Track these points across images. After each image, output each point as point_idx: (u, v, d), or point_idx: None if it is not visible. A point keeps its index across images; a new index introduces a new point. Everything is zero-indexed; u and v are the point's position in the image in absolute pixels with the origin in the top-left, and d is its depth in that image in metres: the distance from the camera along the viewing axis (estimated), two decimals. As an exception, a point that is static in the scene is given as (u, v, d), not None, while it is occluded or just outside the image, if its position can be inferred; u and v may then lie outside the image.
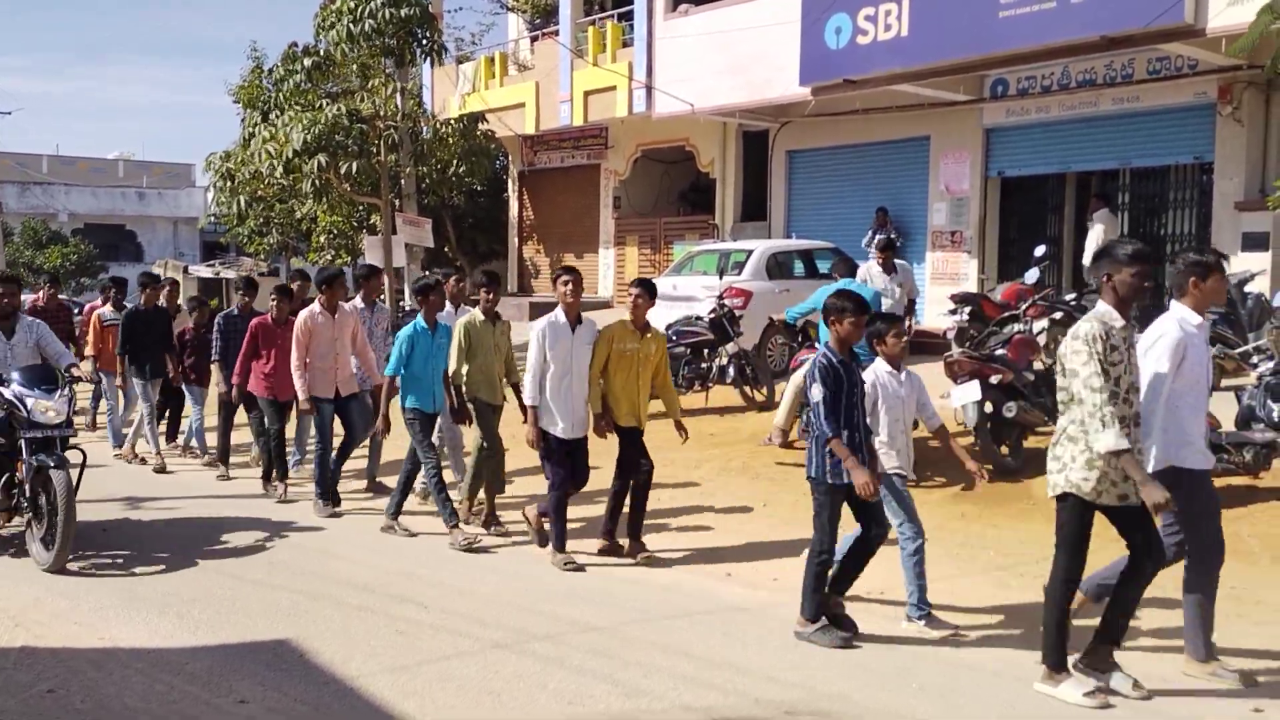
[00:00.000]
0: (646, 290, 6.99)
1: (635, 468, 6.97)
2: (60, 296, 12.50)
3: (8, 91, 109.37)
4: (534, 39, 20.79)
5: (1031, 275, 11.19)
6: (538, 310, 19.14)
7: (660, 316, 12.90)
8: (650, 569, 6.82)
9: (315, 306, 8.46)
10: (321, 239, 20.72)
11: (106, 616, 5.73)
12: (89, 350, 11.15)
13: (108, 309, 11.17)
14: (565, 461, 6.95)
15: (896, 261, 10.97)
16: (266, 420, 9.07)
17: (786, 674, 4.99)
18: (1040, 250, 11.89)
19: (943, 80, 13.68)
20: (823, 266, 13.00)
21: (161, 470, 10.20)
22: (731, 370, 10.90)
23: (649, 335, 7.08)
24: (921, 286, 15.25)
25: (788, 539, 7.17)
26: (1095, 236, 12.65)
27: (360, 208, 17.97)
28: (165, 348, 10.36)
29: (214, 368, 9.82)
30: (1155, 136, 13.16)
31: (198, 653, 5.21)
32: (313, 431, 8.72)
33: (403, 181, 15.19)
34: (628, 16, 18.00)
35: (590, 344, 7.00)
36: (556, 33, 19.26)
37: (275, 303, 9.06)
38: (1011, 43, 12.22)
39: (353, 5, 13.39)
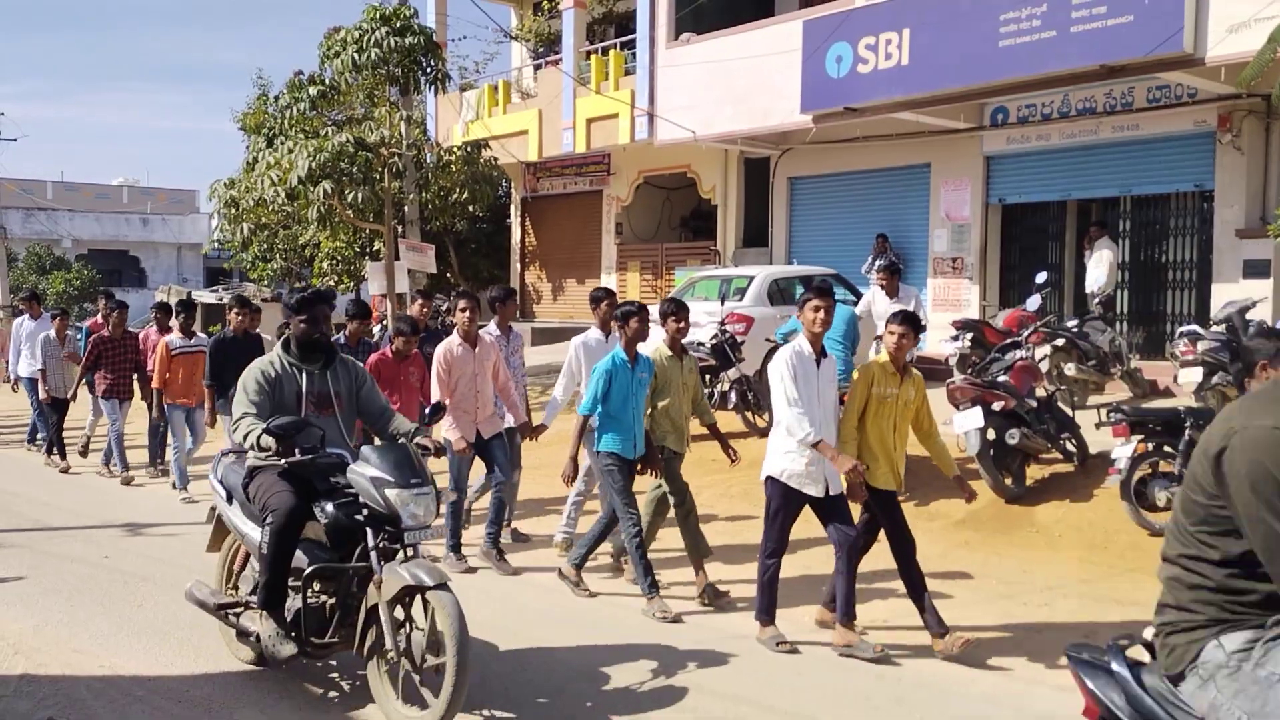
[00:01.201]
0: (911, 325, 5.83)
1: (903, 539, 5.77)
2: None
3: (12, 118, 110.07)
4: (537, 67, 20.95)
5: (1034, 302, 11.20)
6: (540, 335, 19.23)
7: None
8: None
9: (454, 337, 7.53)
10: (325, 265, 20.80)
11: (107, 644, 5.71)
12: (154, 382, 10.38)
13: (176, 336, 10.36)
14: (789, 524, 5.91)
15: (901, 285, 10.99)
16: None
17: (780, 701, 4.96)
18: (1042, 277, 11.92)
19: (943, 108, 13.78)
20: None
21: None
22: (733, 396, 10.92)
23: (910, 378, 5.95)
24: (924, 314, 15.30)
25: (799, 574, 7.13)
26: (1095, 263, 12.69)
27: (363, 234, 18.04)
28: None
29: (208, 391, 9.42)
30: (1156, 164, 13.22)
31: (199, 680, 5.19)
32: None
33: (406, 208, 15.25)
34: (630, 45, 18.14)
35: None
36: (559, 61, 19.41)
37: (402, 339, 8.00)
38: (1011, 71, 12.30)
39: (358, 34, 13.48)
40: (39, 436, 13.08)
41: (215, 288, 28.26)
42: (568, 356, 7.50)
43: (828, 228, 16.76)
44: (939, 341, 12.92)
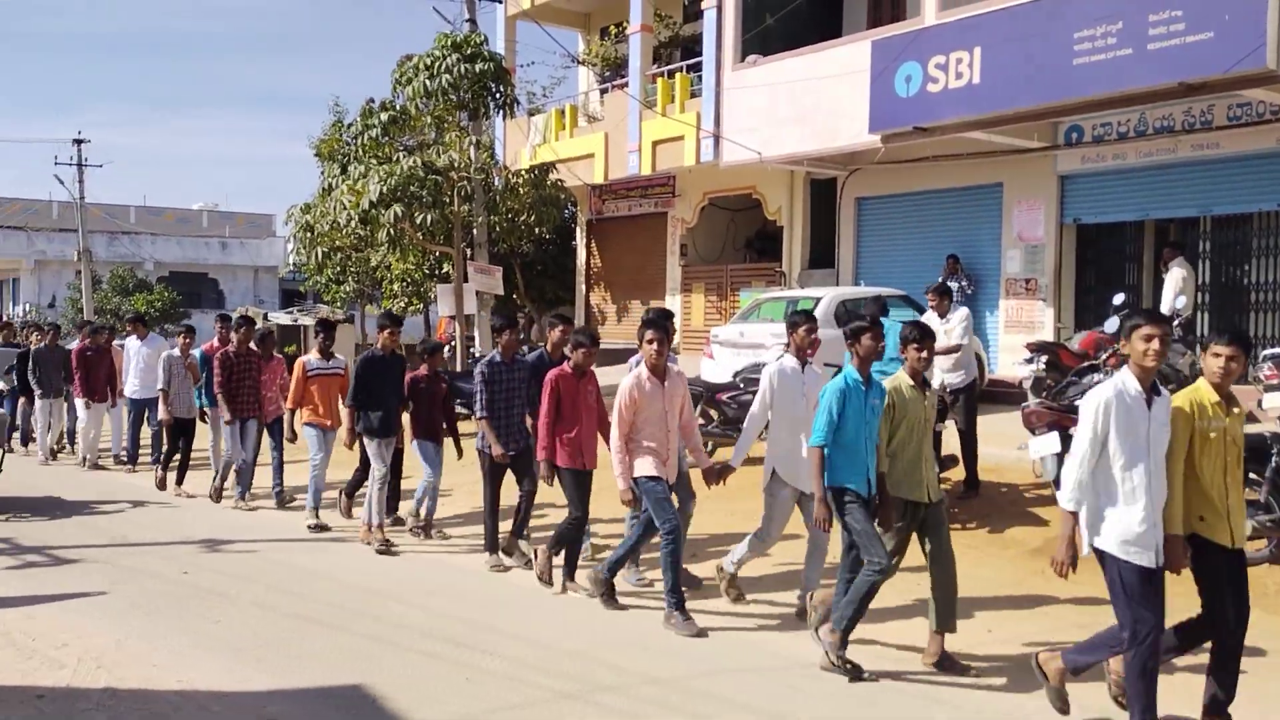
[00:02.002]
0: (1242, 347, 4.79)
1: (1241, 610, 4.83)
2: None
3: (98, 144, 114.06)
4: (603, 91, 21.13)
5: (1111, 324, 10.94)
6: (604, 357, 19.26)
7: (727, 364, 12.97)
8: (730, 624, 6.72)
9: (642, 370, 6.77)
10: (395, 287, 21.16)
11: (185, 659, 5.82)
12: (288, 403, 10.09)
13: (314, 356, 9.98)
14: None
15: (957, 307, 10.78)
16: (571, 502, 7.35)
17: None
18: (1119, 298, 11.65)
19: (1015, 127, 13.57)
20: (892, 313, 12.89)
21: (386, 551, 8.61)
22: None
23: (1237, 410, 4.90)
24: (995, 335, 15.07)
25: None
26: (1171, 285, 12.38)
27: (432, 256, 18.33)
28: (399, 401, 9.09)
29: (348, 413, 8.89)
30: (1237, 183, 12.86)
31: (274, 696, 5.27)
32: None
33: (475, 231, 15.46)
34: (696, 68, 18.21)
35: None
36: (626, 85, 19.55)
37: (583, 351, 7.29)
38: (1086, 90, 12.08)
39: (429, 61, 13.76)
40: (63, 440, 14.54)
41: (290, 309, 28.90)
42: (761, 388, 6.71)
43: (896, 248, 16.59)
44: (1013, 364, 12.69)
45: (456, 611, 6.84)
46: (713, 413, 11.22)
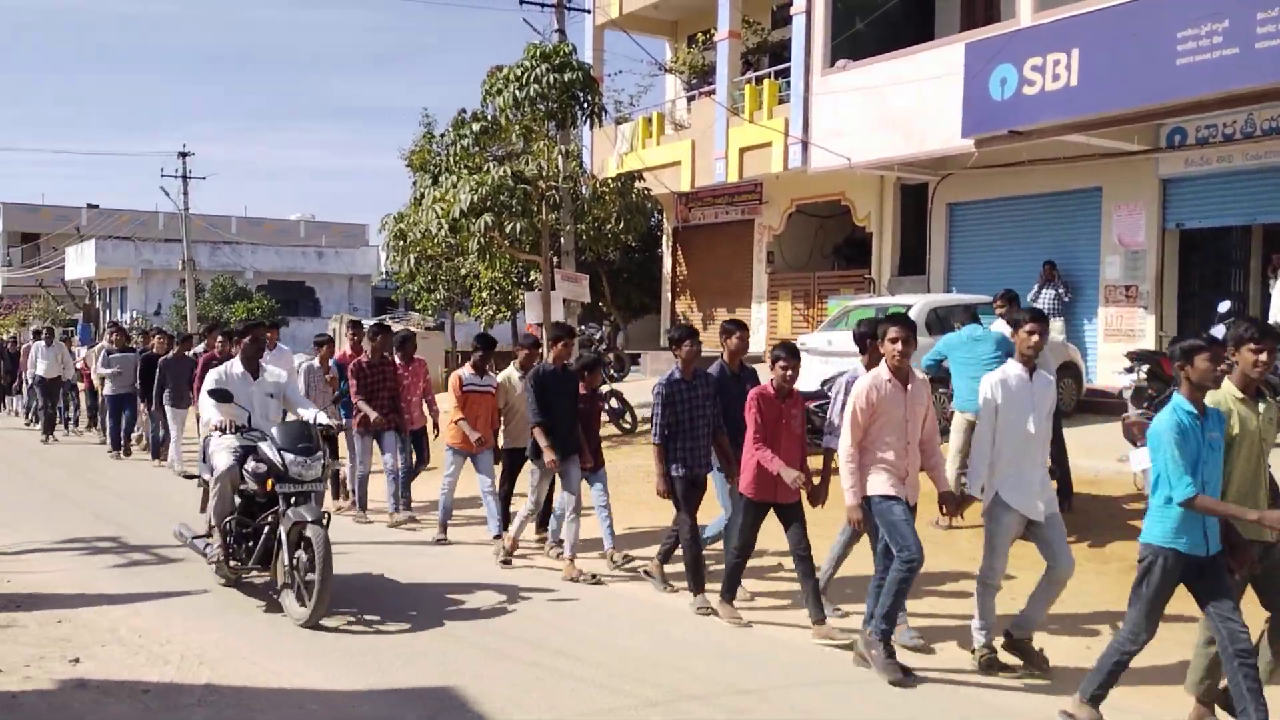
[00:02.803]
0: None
1: None
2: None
3: (201, 157, 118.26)
4: (690, 98, 21.15)
5: (1216, 332, 10.55)
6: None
7: (816, 372, 12.84)
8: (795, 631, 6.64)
9: (881, 370, 5.96)
10: (484, 295, 21.46)
11: (281, 657, 5.97)
12: (455, 412, 9.21)
13: (469, 370, 9.30)
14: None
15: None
16: (738, 527, 6.78)
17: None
18: (1225, 306, 11.24)
19: (1115, 130, 13.19)
20: (985, 321, 12.63)
21: (593, 581, 7.88)
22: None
23: (1264, 407, 4.96)
24: (1094, 343, 14.65)
25: (942, 610, 6.91)
26: (1277, 293, 11.89)
27: (520, 264, 18.53)
28: (573, 420, 8.22)
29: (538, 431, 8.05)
30: (1352, 185, 12.31)
31: (369, 696, 5.37)
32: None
33: (562, 239, 15.58)
34: (784, 74, 18.11)
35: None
36: (713, 92, 19.53)
37: (784, 369, 6.58)
38: (1190, 91, 11.69)
39: (519, 72, 13.91)
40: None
41: (383, 317, 29.51)
42: (983, 401, 5.89)
43: (990, 255, 16.25)
44: (1112, 374, 12.31)
45: (541, 615, 6.89)
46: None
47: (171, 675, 5.63)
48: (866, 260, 18.45)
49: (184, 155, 34.94)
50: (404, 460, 10.28)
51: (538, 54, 14.07)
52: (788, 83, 17.76)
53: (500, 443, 9.33)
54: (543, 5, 17.10)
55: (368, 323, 12.72)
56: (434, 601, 7.29)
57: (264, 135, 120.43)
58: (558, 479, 8.21)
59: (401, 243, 15.32)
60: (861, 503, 5.89)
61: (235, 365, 7.59)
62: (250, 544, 7.04)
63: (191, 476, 12.35)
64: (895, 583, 5.67)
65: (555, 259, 15.43)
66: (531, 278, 18.21)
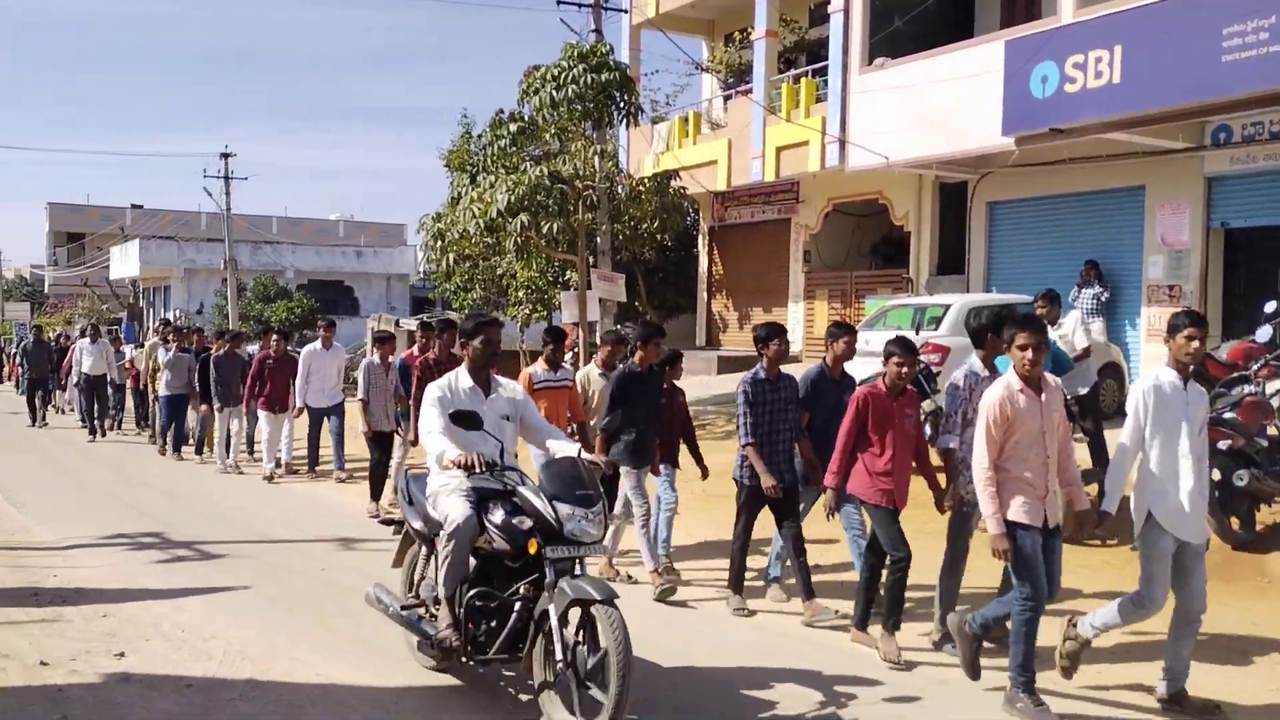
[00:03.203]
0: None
1: None
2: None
3: (243, 158, 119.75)
4: (727, 98, 21.11)
5: (1263, 333, 10.36)
6: (725, 364, 19.24)
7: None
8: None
9: (1011, 378, 5.35)
10: (520, 294, 21.53)
11: (323, 653, 6.03)
12: None
13: (540, 367, 8.35)
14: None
15: (1072, 313, 10.39)
16: (886, 542, 6.14)
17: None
18: (1271, 306, 11.00)
19: (1159, 128, 13.01)
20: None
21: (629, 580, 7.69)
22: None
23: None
24: (1137, 344, 14.46)
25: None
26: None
27: (556, 264, 18.59)
28: (653, 427, 7.80)
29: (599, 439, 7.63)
30: (1404, 183, 12.05)
31: (408, 693, 5.41)
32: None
33: (599, 238, 15.62)
34: (821, 72, 18.03)
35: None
36: (750, 91, 19.49)
37: (899, 366, 6.20)
38: (1236, 88, 11.50)
39: (556, 72, 13.95)
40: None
41: (420, 316, 29.69)
42: (1132, 410, 5.36)
43: (1030, 254, 16.08)
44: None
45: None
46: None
47: (214, 670, 5.71)
48: (904, 259, 18.32)
49: (226, 156, 35.40)
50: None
51: (575, 54, 14.11)
52: (825, 81, 17.68)
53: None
54: (580, 5, 17.17)
55: (404, 322, 12.73)
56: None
57: (303, 136, 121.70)
58: (627, 479, 7.58)
59: (439, 242, 15.41)
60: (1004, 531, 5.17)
61: (461, 377, 5.56)
62: (492, 623, 5.12)
63: (391, 522, 10.92)
64: (1022, 626, 5.14)
65: (591, 258, 15.46)
66: (568, 277, 18.26)
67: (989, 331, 6.05)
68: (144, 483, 12.91)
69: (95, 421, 17.65)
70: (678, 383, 8.45)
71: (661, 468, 8.14)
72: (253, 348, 15.60)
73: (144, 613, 6.81)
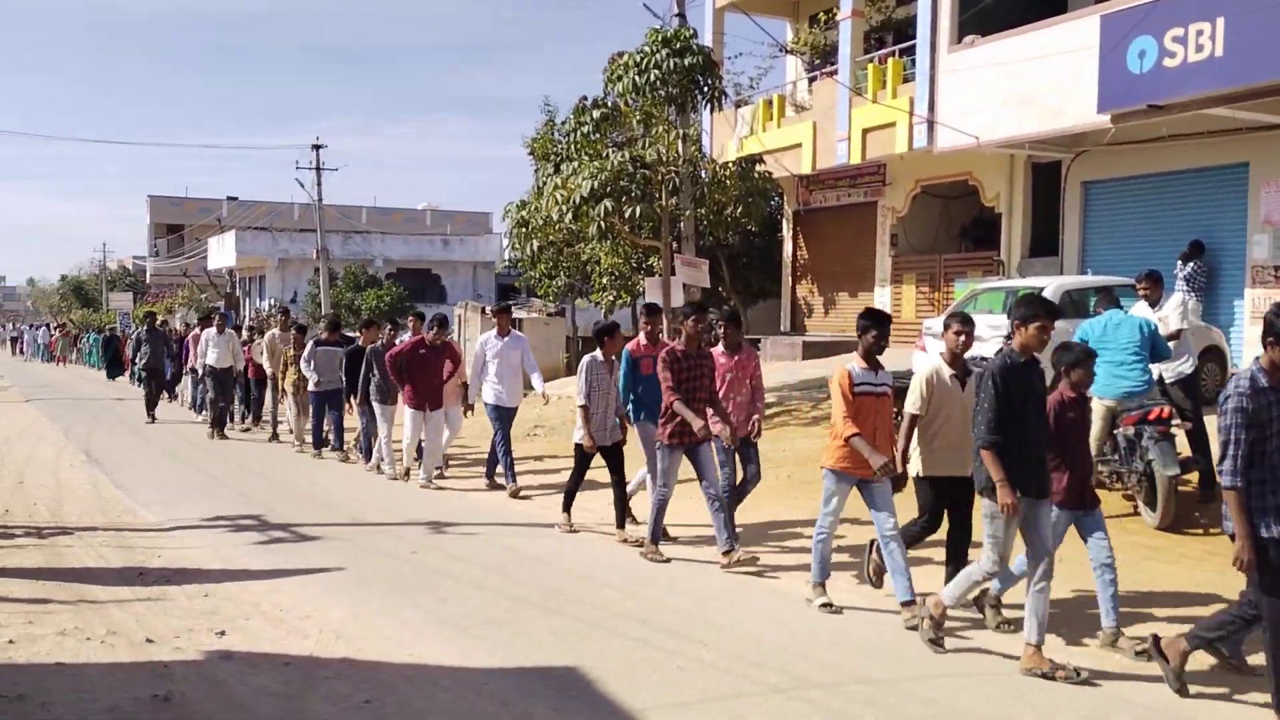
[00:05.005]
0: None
1: None
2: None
3: (334, 150, 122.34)
4: (812, 79, 20.86)
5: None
6: (810, 349, 19.08)
7: (929, 355, 12.55)
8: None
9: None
10: (603, 280, 21.64)
11: (415, 634, 6.17)
12: (847, 425, 6.51)
13: (858, 364, 6.65)
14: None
15: (1175, 294, 10.02)
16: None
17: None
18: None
19: (1264, 102, 12.48)
20: (1124, 303, 12.15)
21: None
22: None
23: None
24: (1239, 326, 13.94)
25: (1077, 598, 6.68)
26: None
27: (640, 250, 18.61)
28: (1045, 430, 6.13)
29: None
30: None
31: (495, 674, 5.51)
32: None
33: (682, 224, 15.58)
34: (909, 52, 17.70)
35: None
36: (835, 72, 19.22)
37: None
38: (1350, 56, 10.98)
39: (639, 58, 13.94)
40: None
41: (506, 303, 30.05)
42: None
43: (1127, 235, 15.60)
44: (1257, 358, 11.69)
45: (669, 602, 6.93)
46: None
47: (311, 649, 5.88)
48: (995, 241, 17.93)
49: (317, 148, 36.19)
50: (726, 476, 8.17)
51: (658, 39, 14.07)
52: (912, 61, 17.36)
53: (917, 469, 6.73)
54: (662, -10, 17.11)
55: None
56: (544, 578, 7.41)
57: (391, 128, 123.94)
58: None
59: (524, 230, 15.55)
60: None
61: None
62: None
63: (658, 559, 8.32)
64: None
65: (675, 244, 15.44)
66: (651, 263, 18.28)
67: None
68: (235, 464, 13.33)
69: (221, 419, 16.14)
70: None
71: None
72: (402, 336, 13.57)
73: (243, 592, 7.04)
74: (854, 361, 6.71)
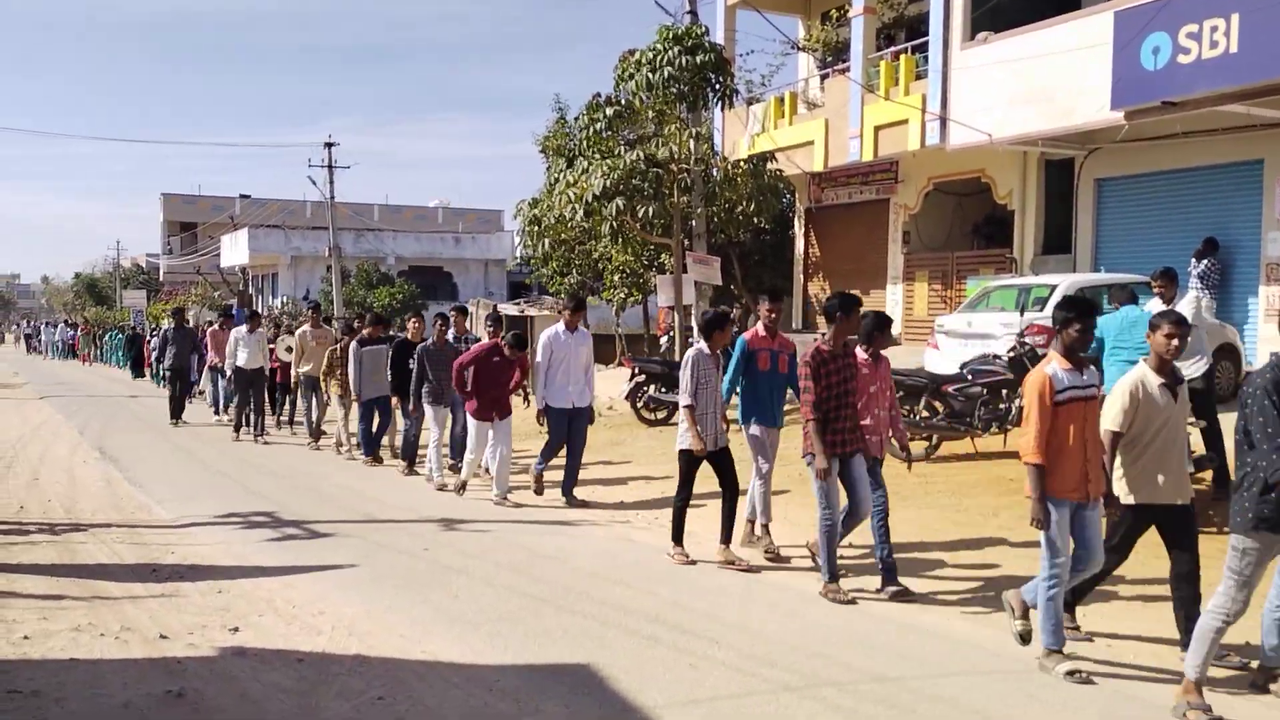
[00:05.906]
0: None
1: None
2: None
3: (346, 148, 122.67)
4: (824, 76, 20.82)
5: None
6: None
7: (953, 355, 12.53)
8: (932, 616, 6.52)
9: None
10: (615, 278, 21.65)
11: (427, 631, 6.18)
12: (1038, 442, 5.58)
13: (1059, 364, 5.65)
14: None
15: (1190, 293, 9.99)
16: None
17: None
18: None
19: (1279, 99, 12.41)
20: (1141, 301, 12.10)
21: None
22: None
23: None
24: (1253, 324, 13.87)
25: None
26: None
27: (651, 247, 18.62)
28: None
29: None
30: None
31: (507, 671, 5.52)
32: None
33: (694, 222, 15.59)
34: (921, 49, 17.64)
35: None
36: (847, 69, 19.18)
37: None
38: (1366, 52, 10.90)
39: (651, 55, 13.96)
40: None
41: (518, 301, 30.09)
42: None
43: (1141, 232, 15.53)
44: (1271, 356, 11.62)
45: (681, 599, 6.92)
46: (938, 405, 10.89)
47: (323, 645, 5.90)
48: (1008, 239, 17.87)
49: (329, 146, 36.26)
50: (880, 497, 7.24)
51: (670, 36, 14.09)
52: (925, 58, 17.31)
53: (1124, 494, 5.83)
54: (675, -13, 17.08)
55: (501, 308, 12.55)
56: (557, 576, 7.41)
57: (402, 126, 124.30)
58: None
59: (535, 227, 15.59)
60: None
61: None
62: None
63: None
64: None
65: (687, 242, 15.46)
66: (663, 261, 18.29)
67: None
68: (247, 461, 13.36)
69: (244, 422, 15.43)
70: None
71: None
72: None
73: (256, 589, 7.07)
74: (1053, 362, 5.60)
